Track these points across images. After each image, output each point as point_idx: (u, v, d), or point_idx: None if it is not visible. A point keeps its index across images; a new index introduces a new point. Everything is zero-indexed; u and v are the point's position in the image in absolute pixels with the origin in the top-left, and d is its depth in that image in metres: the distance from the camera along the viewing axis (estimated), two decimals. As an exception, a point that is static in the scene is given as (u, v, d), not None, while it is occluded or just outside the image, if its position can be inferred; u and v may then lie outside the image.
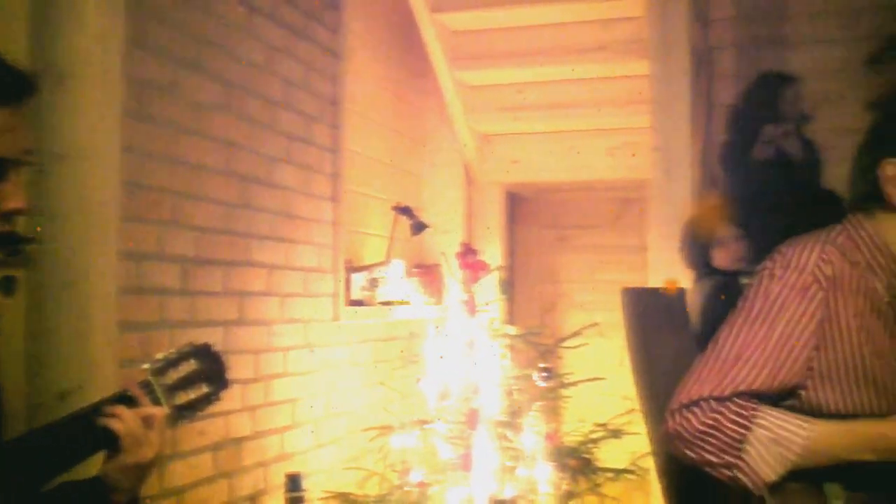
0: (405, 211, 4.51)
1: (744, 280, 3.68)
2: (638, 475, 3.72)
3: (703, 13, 5.00)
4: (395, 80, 4.87)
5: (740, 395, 1.72)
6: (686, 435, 1.74)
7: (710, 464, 1.73)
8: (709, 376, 1.75)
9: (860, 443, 1.69)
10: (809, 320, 1.76)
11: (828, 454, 1.69)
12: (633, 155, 4.96)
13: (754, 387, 1.73)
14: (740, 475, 1.70)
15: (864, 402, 1.77)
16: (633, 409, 2.96)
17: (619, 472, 3.77)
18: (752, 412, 1.70)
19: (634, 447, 3.57)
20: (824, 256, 1.80)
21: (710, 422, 1.71)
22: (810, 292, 1.77)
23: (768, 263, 1.85)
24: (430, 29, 4.67)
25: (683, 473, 2.37)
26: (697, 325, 3.52)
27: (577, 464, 3.71)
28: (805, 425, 1.69)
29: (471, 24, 4.83)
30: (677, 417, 1.75)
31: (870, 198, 1.86)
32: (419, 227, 4.54)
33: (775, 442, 1.68)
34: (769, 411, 1.72)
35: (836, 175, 4.48)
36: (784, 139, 4.25)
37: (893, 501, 1.74)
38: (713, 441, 1.71)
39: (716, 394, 1.73)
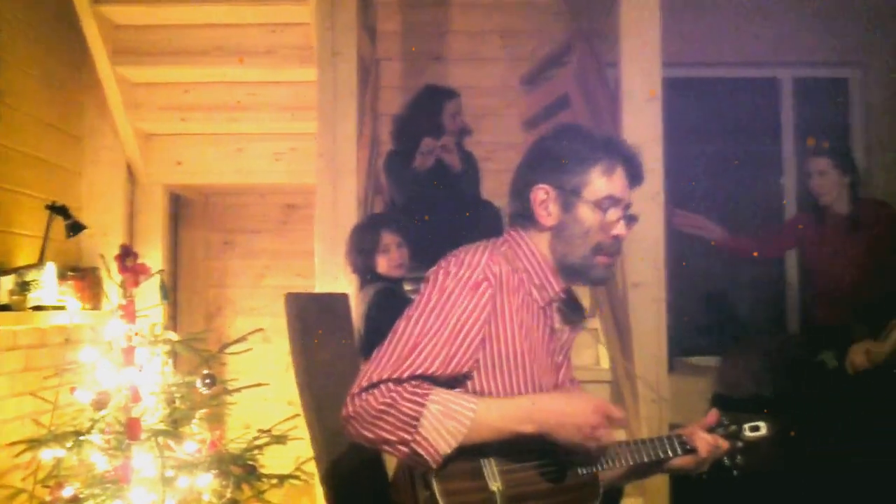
0: (60, 210, 4.27)
1: (407, 286, 3.83)
2: (303, 480, 3.77)
3: (370, 25, 5.13)
4: (53, 71, 4.59)
5: (416, 378, 1.85)
6: (365, 415, 1.82)
7: (387, 441, 1.83)
8: (388, 362, 1.86)
9: (522, 414, 1.89)
10: (480, 314, 1.93)
11: (495, 426, 1.87)
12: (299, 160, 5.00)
13: (430, 372, 1.86)
14: (418, 448, 1.81)
15: (519, 390, 1.99)
16: (297, 415, 2.98)
17: (283, 478, 3.81)
18: (425, 391, 1.83)
19: (299, 452, 3.62)
20: (493, 259, 1.98)
21: (388, 401, 1.81)
22: (481, 289, 1.93)
23: (443, 263, 1.99)
24: (90, 20, 4.47)
25: (345, 477, 2.42)
26: (360, 330, 3.62)
27: (241, 471, 3.70)
28: (474, 399, 1.87)
29: (135, 18, 4.67)
30: (357, 401, 1.84)
31: (524, 216, 2.11)
32: (76, 228, 4.32)
33: (448, 416, 1.82)
34: (441, 391, 1.86)
35: (493, 186, 4.79)
36: (444, 151, 4.45)
37: (545, 474, 1.97)
38: (390, 420, 1.81)
39: (394, 376, 1.84)
